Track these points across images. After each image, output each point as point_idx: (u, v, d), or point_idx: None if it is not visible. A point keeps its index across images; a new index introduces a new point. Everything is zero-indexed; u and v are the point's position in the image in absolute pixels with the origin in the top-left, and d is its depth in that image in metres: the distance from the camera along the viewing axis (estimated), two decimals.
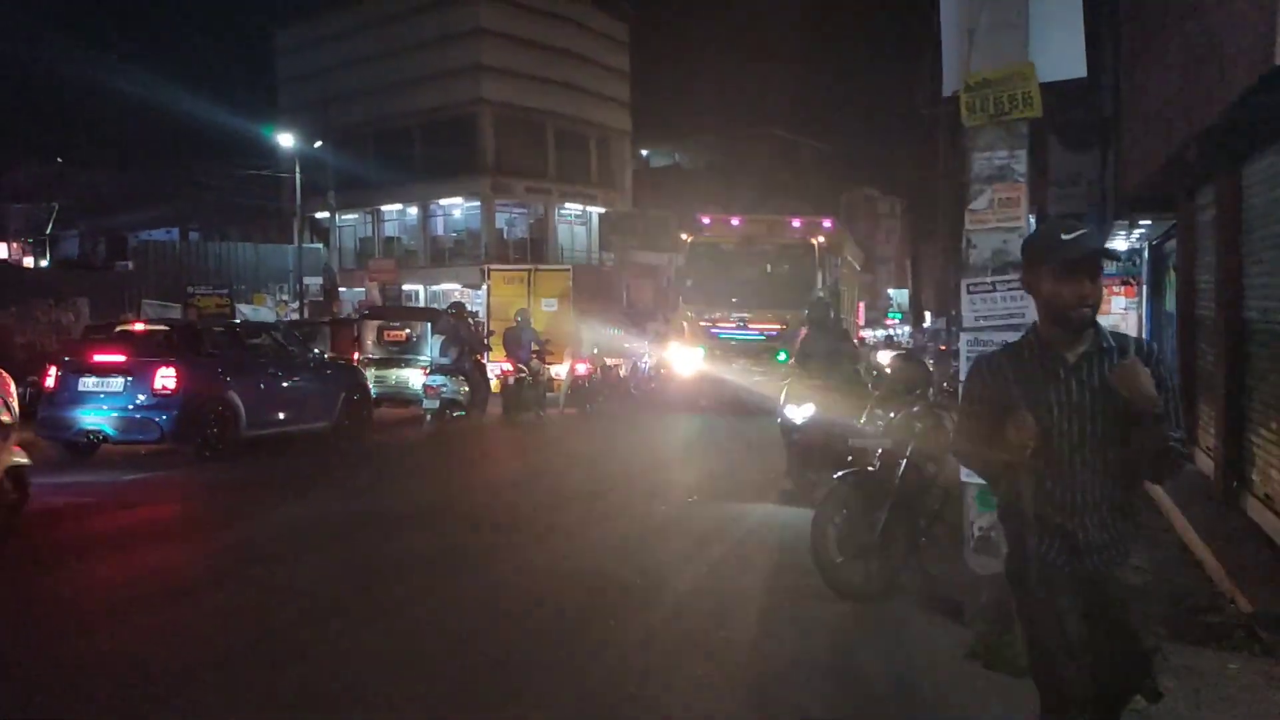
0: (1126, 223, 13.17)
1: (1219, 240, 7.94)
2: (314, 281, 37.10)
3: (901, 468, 5.74)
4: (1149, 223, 12.85)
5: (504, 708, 4.17)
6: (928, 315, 44.58)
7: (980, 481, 5.07)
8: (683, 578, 6.32)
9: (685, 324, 17.62)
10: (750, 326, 16.96)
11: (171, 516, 8.46)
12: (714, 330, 17.18)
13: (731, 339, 17.05)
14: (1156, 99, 8.41)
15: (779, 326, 16.63)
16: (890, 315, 51.85)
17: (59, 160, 50.35)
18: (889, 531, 5.69)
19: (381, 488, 9.96)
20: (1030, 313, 4.98)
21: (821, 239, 17.40)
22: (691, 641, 5.12)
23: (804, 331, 15.44)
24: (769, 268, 17.78)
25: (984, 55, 4.95)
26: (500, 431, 14.43)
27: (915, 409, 5.93)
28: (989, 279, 4.98)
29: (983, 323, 5.02)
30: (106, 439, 10.76)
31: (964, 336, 5.10)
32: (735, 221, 18.76)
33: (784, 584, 6.11)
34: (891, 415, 5.94)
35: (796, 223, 18.07)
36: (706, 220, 18.87)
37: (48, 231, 45.81)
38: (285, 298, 35.03)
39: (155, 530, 7.84)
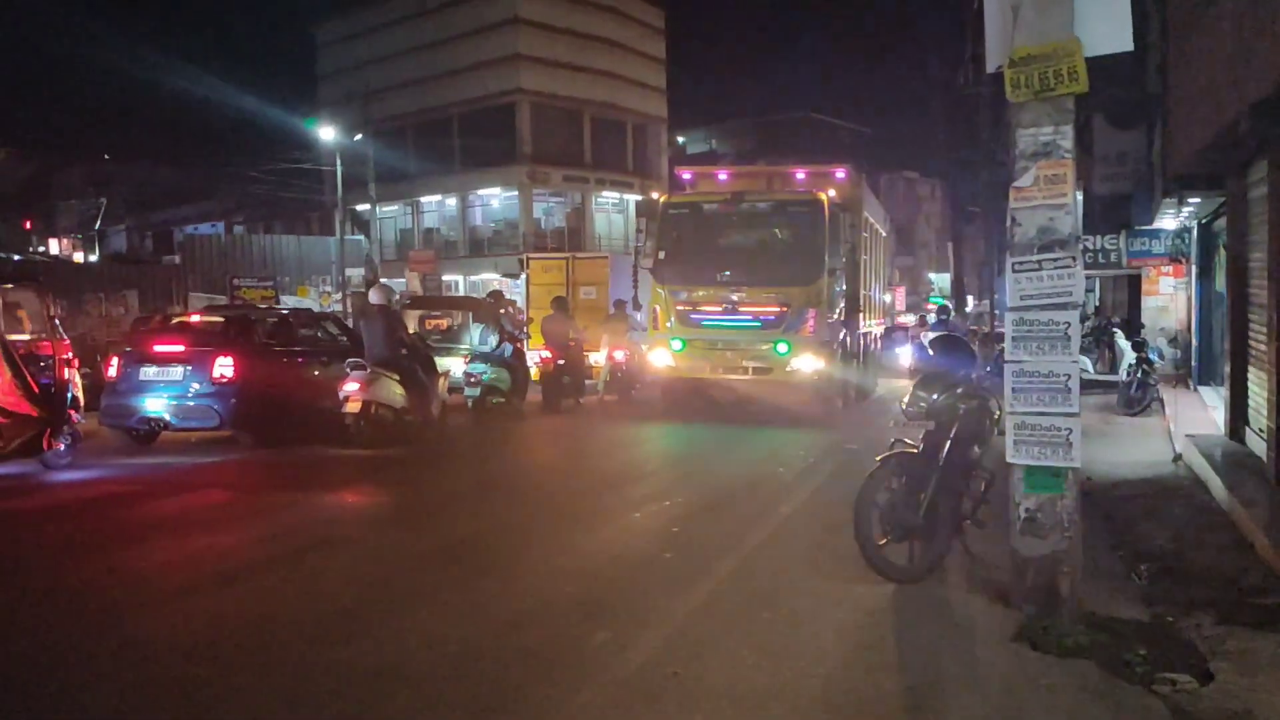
0: (1175, 201, 12.91)
1: (1272, 217, 7.77)
2: (356, 273, 37.47)
3: (946, 449, 5.70)
4: (1198, 200, 12.60)
5: (547, 686, 4.21)
6: (970, 299, 44.08)
7: (1028, 462, 5.04)
8: (724, 558, 6.33)
9: (657, 309, 13.95)
10: (742, 310, 13.41)
11: (228, 502, 8.65)
12: (695, 316, 13.66)
13: (718, 326, 13.58)
14: (1206, 71, 8.23)
15: (779, 309, 13.27)
16: (931, 300, 51.29)
17: (106, 158, 51.34)
18: (933, 513, 5.65)
19: (428, 473, 10.08)
20: (1078, 291, 4.94)
21: (833, 193, 13.95)
22: (734, 621, 5.13)
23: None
24: (766, 233, 14.18)
25: (1028, 30, 4.87)
26: (539, 418, 14.52)
27: (959, 390, 5.87)
28: (1035, 257, 4.91)
29: (1029, 302, 4.95)
30: (166, 426, 11.08)
31: (1009, 316, 5.04)
32: (723, 175, 15.35)
33: (827, 564, 6.11)
34: (935, 396, 5.89)
35: (801, 174, 14.65)
36: (688, 175, 15.53)
37: (96, 227, 46.77)
38: (328, 289, 35.44)
39: (211, 515, 8.02)
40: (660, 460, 10.71)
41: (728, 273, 13.63)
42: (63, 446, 9.60)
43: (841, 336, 14.37)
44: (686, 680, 4.29)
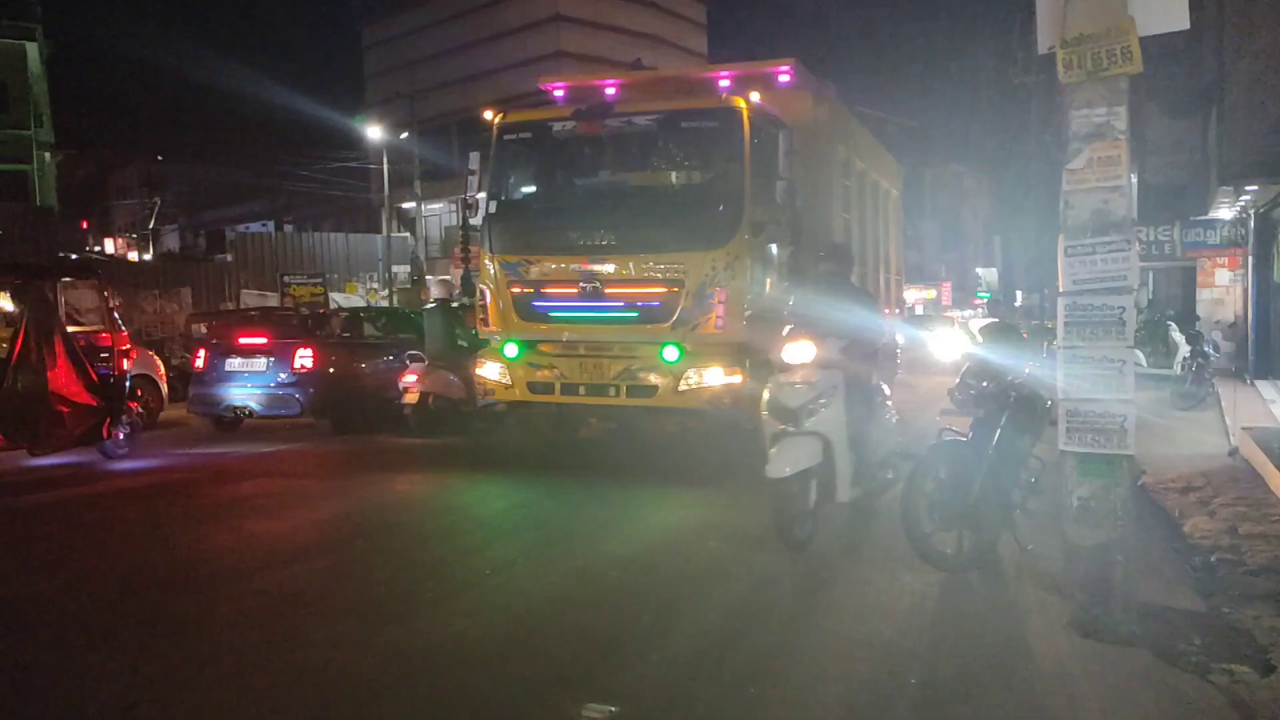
0: (1231, 190, 12.64)
1: None
2: (402, 270, 37.92)
3: (996, 437, 5.63)
4: (1255, 189, 12.32)
5: (598, 665, 4.24)
6: (1019, 293, 43.44)
7: (1081, 450, 4.96)
8: (769, 548, 6.32)
9: (487, 293, 9.14)
10: (611, 293, 8.58)
11: (280, 490, 8.80)
12: (539, 304, 8.91)
13: (574, 319, 8.80)
14: (1267, 55, 8.04)
15: (668, 289, 8.41)
16: (979, 295, 50.59)
17: (160, 158, 52.43)
18: (982, 502, 5.59)
19: (477, 462, 10.17)
20: (1133, 275, 4.86)
21: (756, 97, 8.63)
22: (779, 607, 5.14)
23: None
24: (651, 167, 9.39)
25: (1081, 9, 4.80)
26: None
27: (1010, 378, 5.80)
28: (1088, 240, 4.84)
29: (1082, 287, 4.88)
30: (252, 414, 11.89)
31: (1061, 301, 4.96)
32: (612, 88, 9.64)
33: (872, 553, 6.07)
34: (985, 384, 5.82)
35: (725, 78, 9.54)
36: (560, 91, 10.07)
37: (150, 226, 47.78)
38: (375, 285, 35.93)
39: (264, 502, 8.16)
40: (703, 450, 10.68)
41: (588, 233, 8.75)
42: (122, 435, 9.95)
43: (788, 332, 9.66)
44: (734, 660, 4.31)
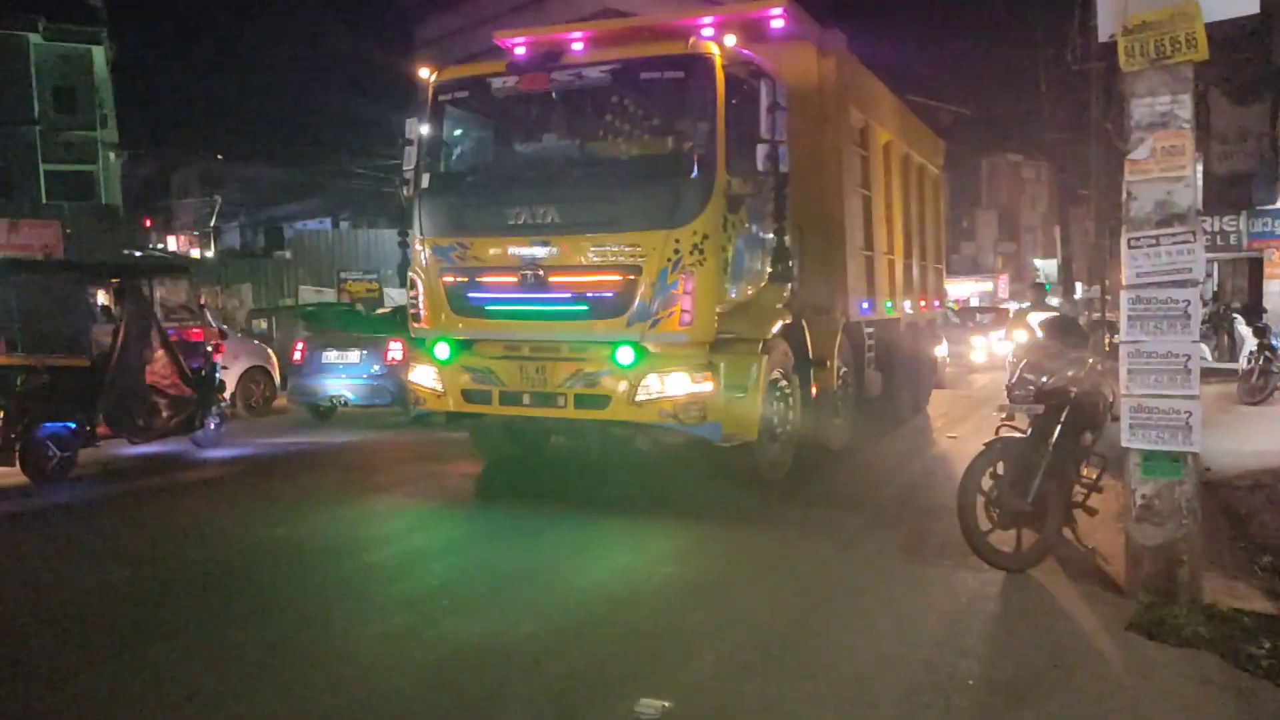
0: None
1: None
2: None
3: (1056, 433, 5.52)
4: None
5: (651, 662, 4.25)
6: (1079, 285, 42.54)
7: (1145, 447, 4.85)
8: (821, 544, 6.28)
9: (418, 282, 7.89)
10: (553, 284, 7.28)
11: (347, 481, 9.03)
12: (475, 295, 7.65)
13: (514, 314, 7.55)
14: None
15: (621, 276, 7.07)
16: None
17: (220, 157, 53.50)
18: (1042, 500, 5.48)
19: (530, 456, 10.25)
20: (1198, 267, 4.73)
21: (732, 41, 7.31)
22: (833, 604, 5.10)
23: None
24: (607, 130, 7.85)
25: None
26: None
27: (1071, 373, 5.68)
28: (1152, 232, 4.72)
29: (1145, 279, 4.76)
30: (347, 403, 12.74)
31: (1125, 294, 4.85)
32: (577, 42, 8.45)
33: (927, 551, 6.00)
34: (1044, 380, 5.71)
35: (708, 25, 8.16)
36: (521, 48, 8.93)
37: (211, 224, 48.82)
38: None
39: (333, 493, 8.34)
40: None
41: (530, 209, 7.33)
42: (212, 426, 10.45)
43: (781, 329, 7.97)
44: (786, 660, 4.29)
